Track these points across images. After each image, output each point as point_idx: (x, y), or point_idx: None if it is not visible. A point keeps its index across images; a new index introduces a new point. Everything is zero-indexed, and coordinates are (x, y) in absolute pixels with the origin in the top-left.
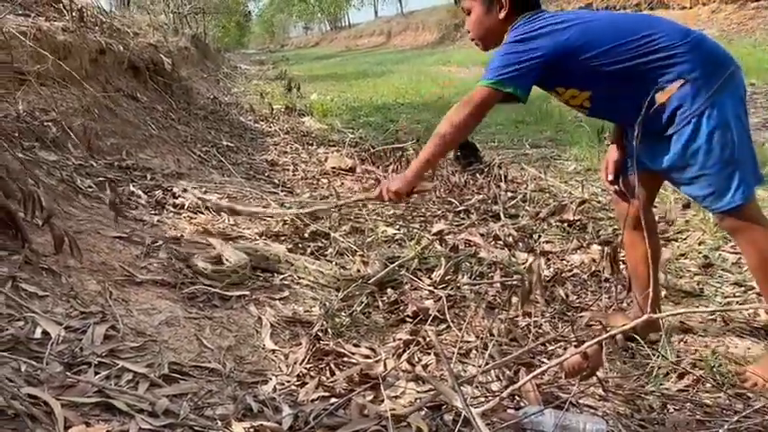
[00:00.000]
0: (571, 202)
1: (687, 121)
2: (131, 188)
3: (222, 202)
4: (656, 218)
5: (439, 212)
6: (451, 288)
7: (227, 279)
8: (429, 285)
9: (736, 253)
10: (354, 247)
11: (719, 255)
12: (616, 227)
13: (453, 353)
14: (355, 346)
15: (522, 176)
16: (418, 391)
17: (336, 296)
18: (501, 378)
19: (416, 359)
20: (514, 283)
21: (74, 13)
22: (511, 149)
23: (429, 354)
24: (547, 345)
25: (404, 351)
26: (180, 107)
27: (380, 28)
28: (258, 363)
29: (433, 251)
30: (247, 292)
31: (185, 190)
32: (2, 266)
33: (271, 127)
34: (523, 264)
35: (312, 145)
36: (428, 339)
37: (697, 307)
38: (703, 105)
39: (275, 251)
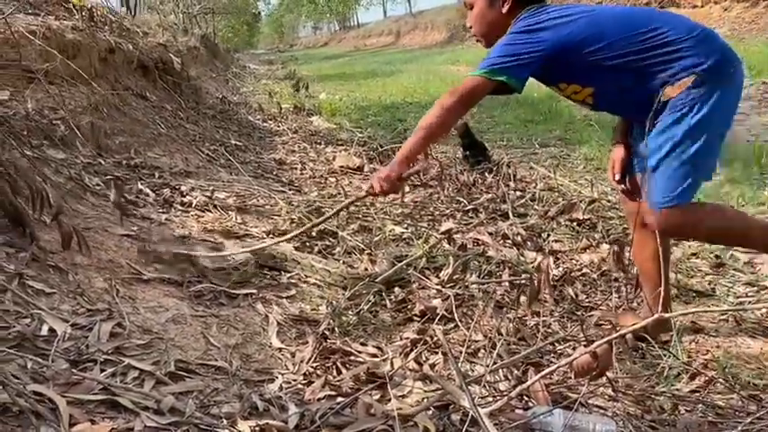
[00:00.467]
0: (580, 201)
1: (677, 109)
2: (139, 186)
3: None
4: None
5: (447, 211)
6: (459, 287)
7: (229, 277)
8: (437, 284)
9: (747, 252)
10: (362, 246)
11: (731, 254)
12: (626, 226)
13: (461, 352)
14: (362, 344)
15: (531, 175)
16: (425, 391)
17: (343, 295)
18: (509, 378)
19: (424, 358)
20: (523, 282)
21: (83, 13)
22: (520, 149)
23: (437, 353)
24: (556, 344)
25: (411, 350)
26: (189, 106)
27: (389, 28)
28: (264, 361)
29: (441, 250)
30: (254, 291)
31: (193, 188)
32: (9, 263)
33: (279, 126)
34: (532, 263)
35: (320, 144)
36: (435, 338)
37: (709, 307)
38: (697, 99)
39: (282, 249)
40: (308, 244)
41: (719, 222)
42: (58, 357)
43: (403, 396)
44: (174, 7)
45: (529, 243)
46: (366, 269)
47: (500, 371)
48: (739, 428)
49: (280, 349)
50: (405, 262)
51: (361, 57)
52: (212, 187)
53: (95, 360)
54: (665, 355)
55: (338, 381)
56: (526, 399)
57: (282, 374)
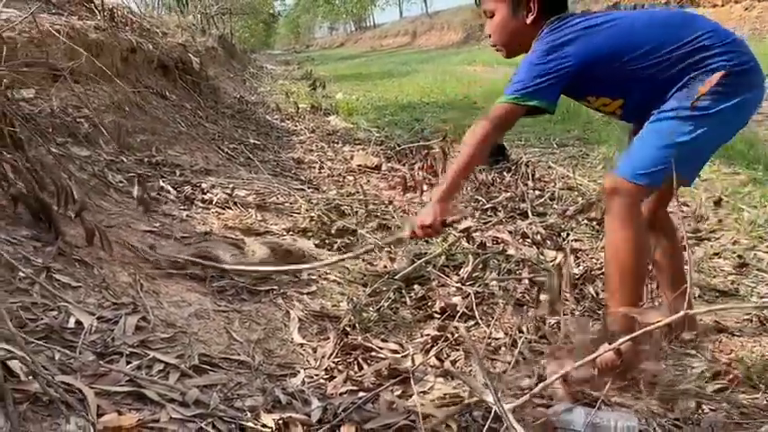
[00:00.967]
0: (599, 201)
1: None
2: (161, 183)
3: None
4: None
5: (466, 210)
6: (479, 285)
7: (251, 273)
8: (456, 282)
9: None
10: (381, 244)
11: (754, 254)
12: None
13: (482, 349)
14: (383, 341)
15: (550, 175)
16: (449, 386)
17: (364, 291)
18: (531, 375)
19: (445, 355)
20: (543, 279)
21: (105, 13)
22: (538, 148)
23: (457, 350)
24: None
25: (432, 346)
26: (208, 105)
27: (405, 28)
28: (286, 356)
29: (460, 248)
30: (275, 287)
31: (213, 186)
32: (37, 257)
33: (296, 126)
34: (552, 261)
35: (338, 143)
36: (456, 335)
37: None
38: (717, 95)
39: (302, 246)
40: (327, 242)
41: (631, 243)
42: (86, 349)
43: (424, 392)
44: (192, 8)
45: (548, 242)
46: (385, 266)
47: (520, 368)
48: (764, 428)
49: (301, 345)
50: (424, 259)
51: (378, 57)
52: (232, 185)
53: (121, 353)
54: (689, 354)
55: (360, 376)
56: (547, 396)
57: (304, 369)
